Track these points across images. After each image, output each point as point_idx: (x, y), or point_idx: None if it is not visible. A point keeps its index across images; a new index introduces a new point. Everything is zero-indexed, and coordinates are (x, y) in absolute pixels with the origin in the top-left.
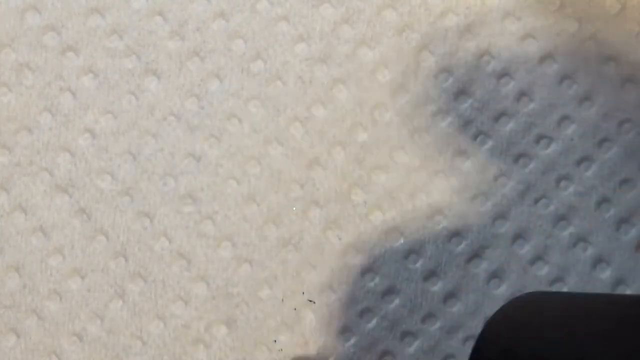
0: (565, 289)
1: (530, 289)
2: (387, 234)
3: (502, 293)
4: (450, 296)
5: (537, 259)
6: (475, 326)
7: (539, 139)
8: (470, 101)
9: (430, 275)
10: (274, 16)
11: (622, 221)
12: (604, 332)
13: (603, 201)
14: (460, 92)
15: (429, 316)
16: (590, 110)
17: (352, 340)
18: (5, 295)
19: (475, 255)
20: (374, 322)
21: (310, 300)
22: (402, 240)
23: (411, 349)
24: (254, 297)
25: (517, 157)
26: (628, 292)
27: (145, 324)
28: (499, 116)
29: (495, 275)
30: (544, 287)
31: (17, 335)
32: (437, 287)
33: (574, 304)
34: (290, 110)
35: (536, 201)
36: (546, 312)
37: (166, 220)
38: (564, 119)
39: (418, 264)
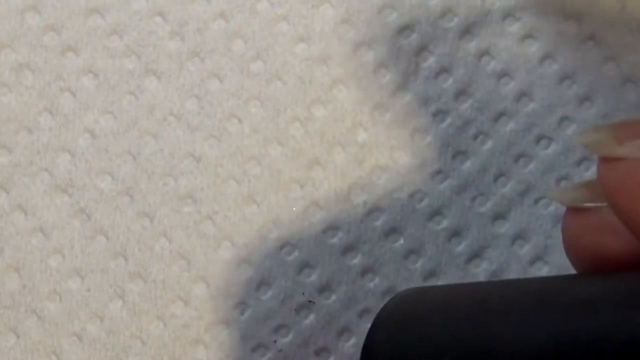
0: None
1: None
2: (387, 234)
3: None
4: None
5: (537, 259)
6: None
7: (539, 139)
8: (470, 101)
9: (430, 275)
10: (274, 16)
11: None
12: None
13: None
14: (460, 92)
15: None
16: (590, 110)
17: (352, 340)
18: (5, 295)
19: (475, 255)
20: None
21: (310, 301)
22: (402, 240)
23: None
24: (253, 297)
25: (517, 157)
26: None
27: (145, 324)
28: (499, 116)
29: (495, 275)
30: None
31: (17, 335)
32: None
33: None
34: (290, 110)
35: (536, 201)
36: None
37: (166, 220)
38: (564, 119)
39: (418, 264)
